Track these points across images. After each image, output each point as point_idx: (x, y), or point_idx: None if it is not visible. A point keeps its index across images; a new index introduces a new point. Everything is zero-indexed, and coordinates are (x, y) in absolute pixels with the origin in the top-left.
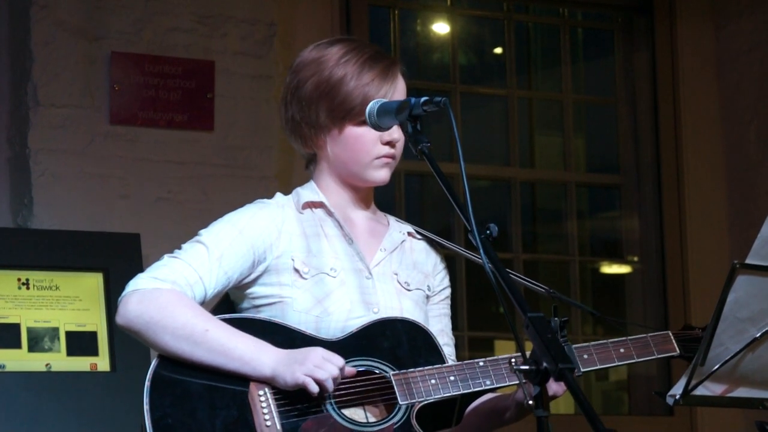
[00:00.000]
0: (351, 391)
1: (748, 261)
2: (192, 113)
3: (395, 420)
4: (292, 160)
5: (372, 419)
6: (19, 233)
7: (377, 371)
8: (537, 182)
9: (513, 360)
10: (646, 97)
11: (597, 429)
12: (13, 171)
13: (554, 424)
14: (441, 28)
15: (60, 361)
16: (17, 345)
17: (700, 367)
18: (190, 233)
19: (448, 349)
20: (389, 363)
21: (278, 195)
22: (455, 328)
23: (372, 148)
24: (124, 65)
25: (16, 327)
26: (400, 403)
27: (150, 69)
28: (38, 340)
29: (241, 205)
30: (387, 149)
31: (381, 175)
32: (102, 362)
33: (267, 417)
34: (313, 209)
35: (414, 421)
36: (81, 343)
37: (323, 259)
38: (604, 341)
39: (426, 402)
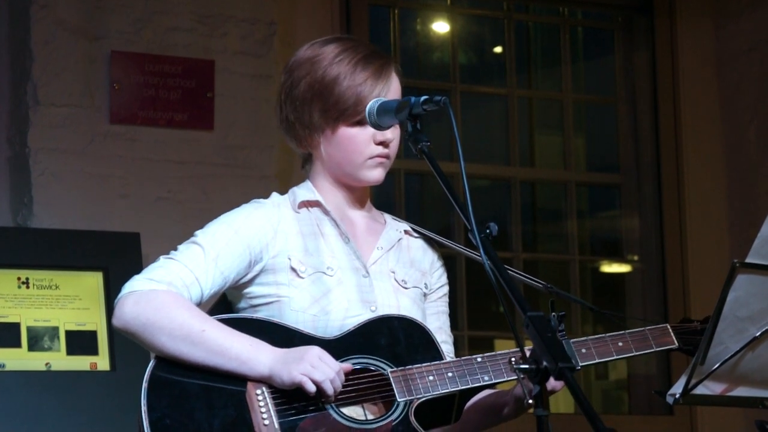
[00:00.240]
0: (349, 389)
1: (748, 260)
2: (192, 113)
3: (394, 417)
4: (292, 159)
5: (370, 417)
6: (18, 232)
7: (375, 369)
8: (537, 181)
9: (513, 358)
10: (646, 96)
11: (597, 428)
12: (13, 170)
13: (554, 423)
14: (441, 27)
15: (60, 360)
16: (17, 344)
17: (700, 366)
18: (190, 233)
19: (447, 347)
20: (387, 360)
21: (274, 194)
22: (455, 327)
23: (365, 149)
24: (124, 64)
25: (15, 326)
26: (399, 400)
27: (150, 68)
28: (38, 340)
29: (241, 205)
30: (380, 149)
31: (375, 175)
32: (102, 361)
33: (265, 416)
34: (310, 208)
35: (412, 418)
36: (81, 342)
37: (320, 258)
38: (602, 335)
39: (424, 399)
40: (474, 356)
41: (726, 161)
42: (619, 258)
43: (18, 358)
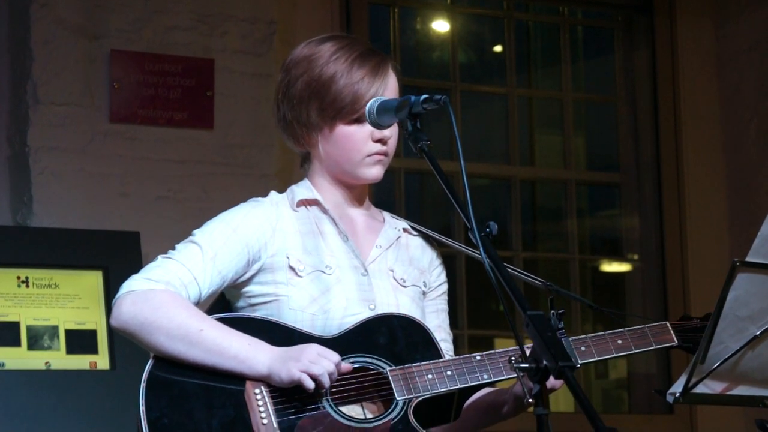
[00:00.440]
0: (348, 388)
1: (748, 259)
2: (192, 111)
3: (393, 416)
4: (292, 158)
5: (369, 415)
6: (18, 231)
7: (374, 367)
8: (537, 180)
9: (512, 357)
10: (646, 95)
11: (597, 427)
12: (12, 169)
13: (554, 422)
14: (441, 26)
15: (59, 359)
16: (17, 343)
17: (700, 365)
18: (190, 231)
19: (446, 345)
20: (386, 359)
21: (272, 193)
22: (455, 326)
23: (363, 146)
24: (124, 63)
25: (15, 325)
26: (398, 398)
27: (150, 67)
28: (38, 339)
29: (240, 204)
30: (378, 147)
31: (373, 172)
32: (101, 360)
33: (264, 415)
34: (308, 207)
35: (412, 417)
36: (80, 341)
37: (319, 257)
38: (602, 333)
39: (423, 397)
40: (473, 354)
41: (726, 161)
42: (619, 257)
43: (17, 357)
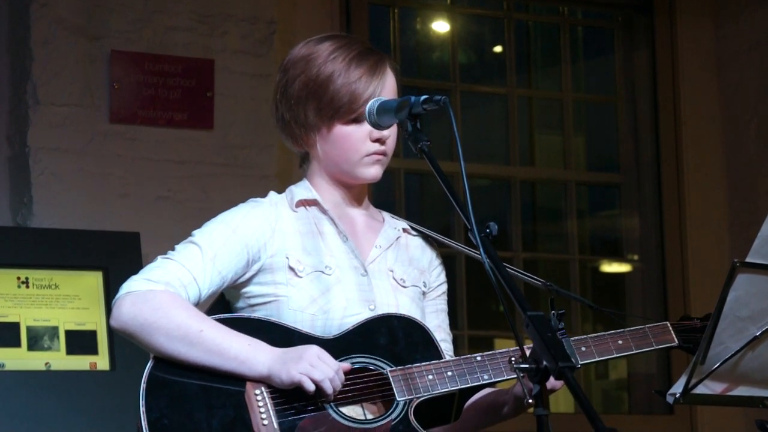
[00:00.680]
0: (348, 389)
1: (748, 260)
2: (192, 112)
3: (393, 416)
4: (292, 159)
5: (370, 416)
6: (18, 232)
7: (374, 368)
8: (537, 181)
9: (512, 357)
10: (646, 95)
11: (597, 428)
12: (12, 170)
13: (554, 423)
14: (441, 26)
15: (59, 359)
16: (17, 344)
17: (701, 366)
18: (190, 232)
19: (446, 345)
20: (386, 360)
21: (272, 193)
22: (455, 326)
23: (361, 146)
24: (124, 64)
25: (15, 326)
26: (398, 399)
27: (150, 68)
28: (38, 339)
29: (239, 204)
30: (377, 146)
31: (372, 172)
32: (101, 361)
33: (264, 416)
34: (307, 207)
35: (412, 417)
36: (80, 341)
37: (318, 257)
38: (602, 333)
39: (424, 398)
40: (473, 355)
41: (726, 161)
42: (619, 257)
43: (17, 358)
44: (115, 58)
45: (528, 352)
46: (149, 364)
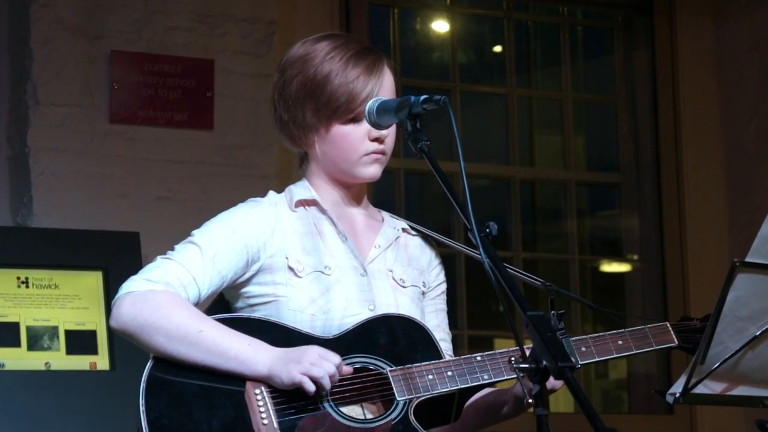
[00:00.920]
0: (348, 388)
1: (748, 259)
2: (192, 112)
3: (393, 416)
4: (291, 158)
5: (370, 416)
6: (18, 232)
7: (374, 368)
8: (537, 181)
9: (512, 357)
10: (646, 95)
11: (597, 427)
12: (12, 170)
13: (554, 423)
14: (441, 26)
15: (59, 359)
16: (16, 344)
17: (700, 366)
18: (190, 232)
19: (445, 345)
20: (386, 359)
21: (271, 193)
22: (455, 326)
23: (360, 146)
24: (124, 64)
25: (15, 326)
26: (398, 399)
27: (150, 68)
28: (37, 339)
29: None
30: (375, 145)
31: (371, 171)
32: (101, 361)
33: (264, 416)
34: (306, 207)
35: (412, 417)
36: (80, 341)
37: (318, 257)
38: (602, 333)
39: (424, 398)
40: (473, 355)
41: (726, 161)
42: (619, 257)
43: (17, 358)
44: (115, 58)
45: (528, 352)
46: (149, 364)
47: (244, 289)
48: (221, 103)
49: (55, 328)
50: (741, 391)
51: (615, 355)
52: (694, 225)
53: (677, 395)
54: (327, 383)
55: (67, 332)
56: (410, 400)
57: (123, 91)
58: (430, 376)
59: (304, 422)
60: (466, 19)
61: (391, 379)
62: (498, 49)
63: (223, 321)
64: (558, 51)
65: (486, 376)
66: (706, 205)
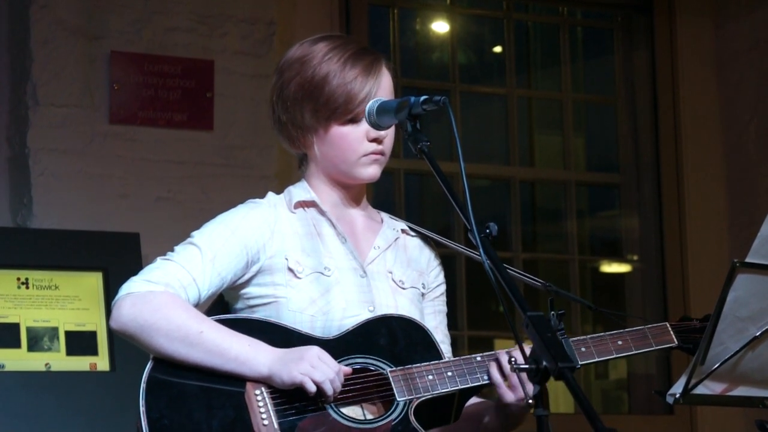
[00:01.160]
0: (348, 389)
1: (748, 260)
2: (192, 113)
3: (393, 417)
4: (291, 159)
5: (370, 416)
6: (18, 233)
7: (375, 368)
8: (537, 181)
9: (512, 358)
10: (646, 96)
11: (597, 428)
12: (12, 170)
13: (554, 423)
14: (440, 27)
15: (59, 360)
16: (17, 345)
17: (700, 366)
18: (190, 233)
19: (444, 347)
20: (386, 360)
21: (270, 194)
22: (455, 327)
23: (358, 146)
24: (124, 65)
25: (15, 327)
26: (398, 399)
27: (149, 68)
28: (38, 340)
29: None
30: (374, 146)
31: (370, 172)
32: (101, 362)
33: (264, 416)
34: (306, 208)
35: (412, 418)
36: (80, 342)
37: (317, 259)
38: (602, 334)
39: (424, 398)
40: (473, 355)
41: (726, 161)
42: (619, 258)
43: (18, 359)
44: (115, 58)
45: (528, 352)
46: (149, 365)
47: (243, 290)
48: (221, 103)
49: (55, 329)
50: (741, 391)
51: (615, 356)
52: (694, 225)
53: (677, 396)
54: (328, 388)
55: (68, 333)
56: (410, 401)
57: (123, 92)
58: (430, 377)
59: (304, 423)
60: (466, 19)
61: (391, 379)
62: (498, 49)
63: (223, 322)
64: (558, 51)
65: (486, 377)
66: (706, 205)
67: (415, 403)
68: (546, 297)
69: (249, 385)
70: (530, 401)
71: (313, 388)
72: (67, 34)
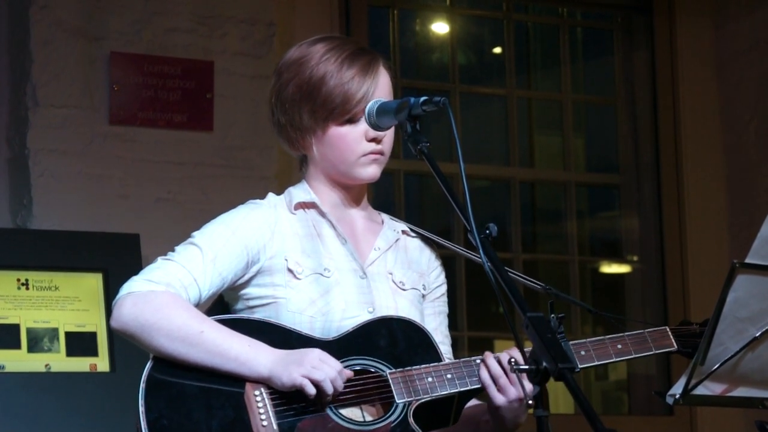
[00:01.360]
0: (348, 390)
1: (747, 260)
2: (191, 113)
3: (392, 419)
4: (291, 160)
5: (369, 418)
6: (18, 233)
7: (374, 370)
8: (536, 182)
9: (512, 359)
10: (646, 96)
11: (597, 429)
12: (12, 171)
13: (554, 424)
14: (440, 27)
15: (59, 361)
16: (17, 345)
17: (700, 367)
18: (190, 233)
19: (444, 348)
20: (386, 362)
21: (270, 195)
22: (455, 328)
23: (357, 147)
24: (124, 65)
25: (15, 327)
26: (397, 401)
27: (149, 69)
28: (38, 341)
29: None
30: (373, 146)
31: (369, 172)
32: (101, 363)
33: (263, 417)
34: (306, 209)
35: (411, 420)
36: (80, 343)
37: (317, 260)
38: (602, 337)
39: (423, 400)
40: (473, 357)
41: (726, 161)
42: (619, 258)
43: (18, 360)
44: (115, 59)
45: (528, 353)
46: (148, 365)
47: (243, 291)
48: (221, 104)
49: (55, 330)
50: (741, 392)
51: (614, 359)
52: (694, 225)
53: (677, 396)
54: (328, 387)
55: (68, 334)
56: (410, 403)
57: (123, 93)
58: (430, 379)
59: (304, 424)
60: (466, 20)
61: (390, 381)
62: (498, 50)
63: (222, 322)
64: (557, 52)
65: None
66: (706, 206)
67: (415, 405)
68: (546, 299)
69: (248, 386)
70: (530, 402)
71: (312, 391)
72: (66, 35)
